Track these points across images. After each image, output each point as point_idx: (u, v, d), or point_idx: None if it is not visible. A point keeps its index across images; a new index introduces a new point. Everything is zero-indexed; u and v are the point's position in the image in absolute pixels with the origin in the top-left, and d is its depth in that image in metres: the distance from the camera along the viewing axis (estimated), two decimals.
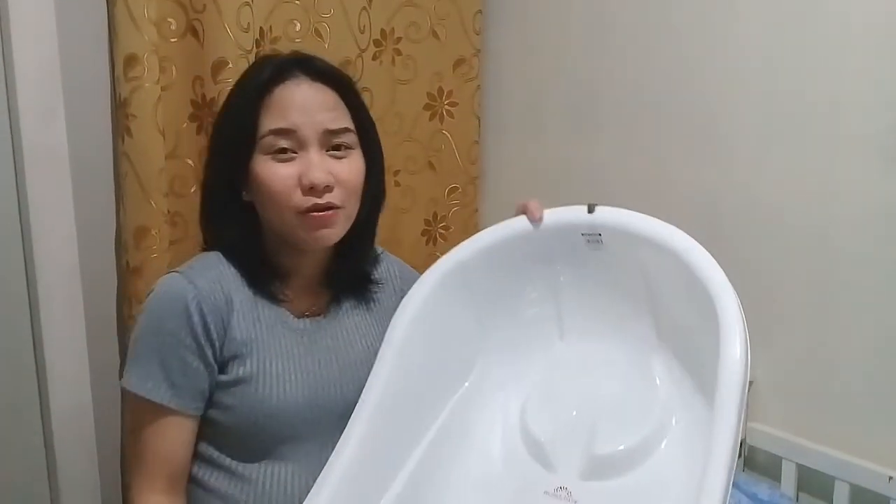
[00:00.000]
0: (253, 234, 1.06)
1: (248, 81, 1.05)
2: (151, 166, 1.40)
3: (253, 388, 1.00)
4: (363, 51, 1.69)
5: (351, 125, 1.05)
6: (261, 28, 1.51)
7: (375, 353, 1.07)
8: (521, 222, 1.10)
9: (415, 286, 1.09)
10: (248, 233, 1.06)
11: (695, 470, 0.85)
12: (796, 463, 1.36)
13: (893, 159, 1.25)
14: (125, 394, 1.01)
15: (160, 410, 0.98)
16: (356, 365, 1.07)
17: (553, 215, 1.09)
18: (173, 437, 1.00)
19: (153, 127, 1.39)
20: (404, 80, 1.78)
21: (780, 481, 1.39)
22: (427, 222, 1.89)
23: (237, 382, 1.00)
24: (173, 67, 1.44)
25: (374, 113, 1.63)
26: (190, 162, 1.48)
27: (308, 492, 0.95)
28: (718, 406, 0.84)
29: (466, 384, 1.12)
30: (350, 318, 1.12)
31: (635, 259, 1.05)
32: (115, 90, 1.41)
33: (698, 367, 0.99)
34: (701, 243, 1.00)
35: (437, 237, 1.90)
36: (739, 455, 1.20)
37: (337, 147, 1.03)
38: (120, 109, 1.38)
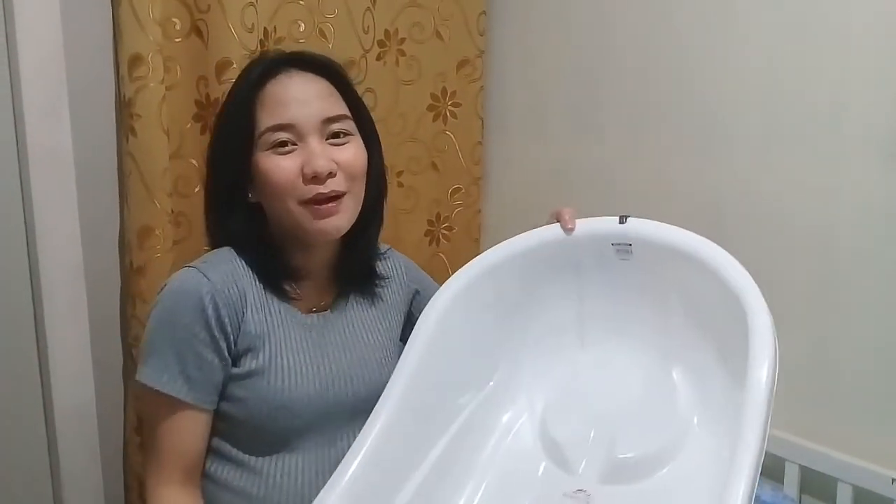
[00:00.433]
0: (260, 234, 1.07)
1: (241, 82, 1.06)
2: (155, 166, 1.41)
3: (265, 381, 1.00)
4: (367, 51, 1.70)
5: (347, 112, 1.05)
6: (265, 28, 1.51)
7: (382, 347, 1.08)
8: (553, 231, 1.11)
9: (444, 286, 1.10)
10: (254, 231, 1.06)
11: (715, 478, 0.85)
12: (799, 464, 1.36)
13: (895, 159, 1.25)
14: (139, 388, 1.01)
15: (176, 404, 0.99)
16: (363, 359, 1.08)
17: (585, 225, 1.10)
18: (189, 431, 1.00)
19: (157, 127, 1.39)
20: (408, 81, 1.79)
21: (783, 483, 1.38)
22: (430, 223, 1.89)
23: (249, 375, 1.01)
24: (178, 67, 1.45)
25: (378, 113, 1.65)
26: (194, 162, 1.49)
27: (318, 484, 0.96)
28: (744, 424, 0.83)
29: (491, 383, 1.12)
30: (356, 313, 1.13)
31: (664, 270, 1.06)
32: (119, 90, 1.41)
33: (725, 379, 0.98)
34: None
35: (439, 238, 1.91)
36: None
37: (336, 135, 1.03)
38: (124, 109, 1.39)
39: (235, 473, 1.03)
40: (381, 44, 1.72)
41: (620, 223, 1.07)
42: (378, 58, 1.72)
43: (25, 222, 1.40)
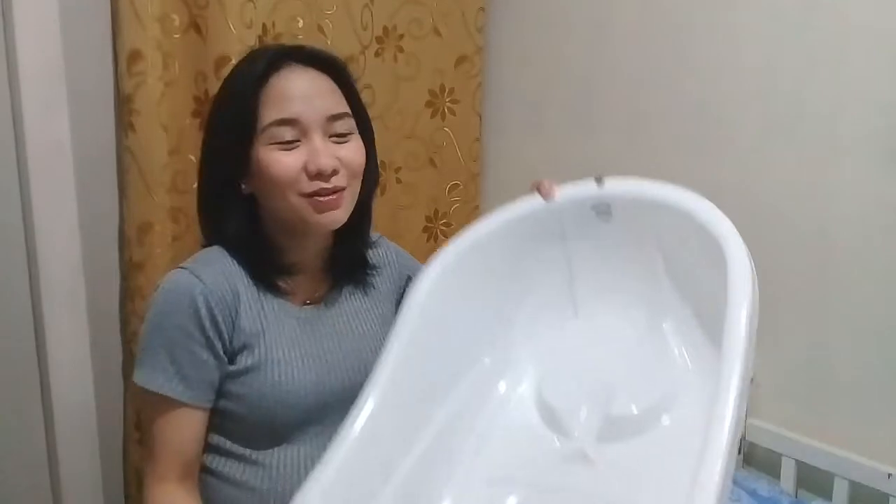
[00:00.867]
0: (253, 226, 1.07)
1: (242, 74, 1.05)
2: (154, 162, 1.41)
3: (262, 375, 1.01)
4: (365, 47, 1.70)
5: (349, 109, 1.06)
6: (263, 24, 1.51)
7: (375, 336, 1.08)
8: (533, 200, 1.11)
9: (428, 264, 1.10)
10: (248, 225, 1.06)
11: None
12: (796, 460, 1.37)
13: (893, 158, 1.26)
14: (136, 389, 1.02)
15: (172, 404, 0.99)
16: (358, 348, 1.09)
17: (564, 191, 1.11)
18: (186, 430, 1.01)
19: (156, 123, 1.40)
20: (406, 77, 1.79)
21: (779, 478, 1.39)
22: (428, 219, 1.90)
23: (247, 371, 1.01)
24: (176, 63, 1.45)
25: (376, 110, 1.65)
26: (192, 158, 1.48)
27: None
28: (724, 365, 0.84)
29: (485, 356, 1.13)
30: (349, 303, 1.13)
31: (646, 225, 1.07)
32: (118, 86, 1.41)
33: (712, 324, 0.99)
34: None
35: (438, 234, 1.91)
36: (739, 451, 1.20)
37: (338, 132, 1.04)
38: (123, 105, 1.39)
39: (238, 467, 1.03)
40: (379, 40, 1.72)
41: (598, 184, 1.08)
42: (376, 54, 1.72)
43: (24, 218, 1.40)
